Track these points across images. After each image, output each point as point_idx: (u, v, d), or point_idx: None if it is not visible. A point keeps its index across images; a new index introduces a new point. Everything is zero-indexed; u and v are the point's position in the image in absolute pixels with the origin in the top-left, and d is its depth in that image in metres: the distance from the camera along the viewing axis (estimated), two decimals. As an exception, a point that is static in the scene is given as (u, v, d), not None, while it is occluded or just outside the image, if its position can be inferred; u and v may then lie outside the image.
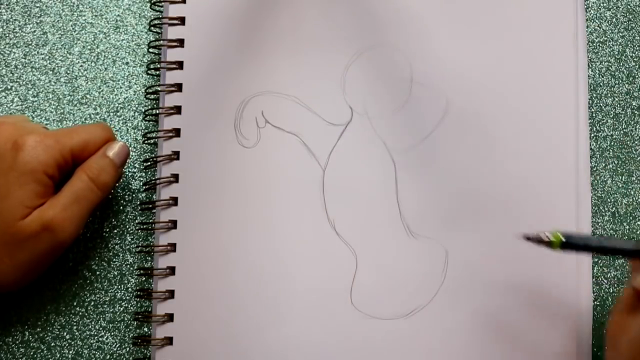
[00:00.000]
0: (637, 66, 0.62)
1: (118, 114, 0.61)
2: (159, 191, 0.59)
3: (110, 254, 0.60)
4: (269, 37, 0.60)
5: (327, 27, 0.60)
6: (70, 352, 0.59)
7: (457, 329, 0.57)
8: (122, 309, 0.59)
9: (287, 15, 0.60)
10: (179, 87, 0.59)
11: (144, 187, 0.60)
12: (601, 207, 0.61)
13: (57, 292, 0.59)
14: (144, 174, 0.61)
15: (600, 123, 0.61)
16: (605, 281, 0.60)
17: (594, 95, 0.62)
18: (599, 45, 0.62)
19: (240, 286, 0.58)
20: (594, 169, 0.61)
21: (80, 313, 0.59)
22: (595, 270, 0.60)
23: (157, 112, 0.60)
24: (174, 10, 0.60)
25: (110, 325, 0.59)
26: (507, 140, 0.59)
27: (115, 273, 0.60)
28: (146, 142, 0.61)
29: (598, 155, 0.61)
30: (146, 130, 0.61)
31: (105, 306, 0.59)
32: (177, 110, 0.59)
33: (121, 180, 0.60)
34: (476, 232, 0.58)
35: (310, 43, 0.60)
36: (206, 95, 0.59)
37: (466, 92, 0.59)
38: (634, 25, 0.63)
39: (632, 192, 0.61)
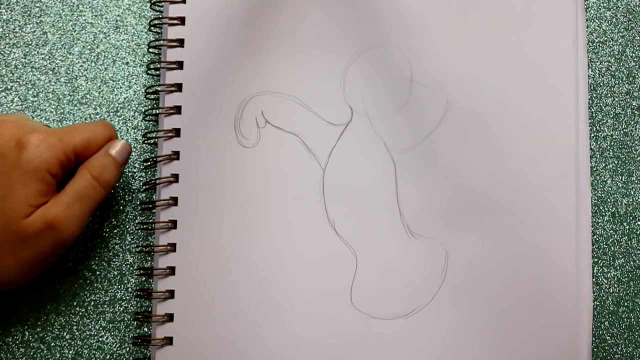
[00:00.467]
0: (637, 66, 0.62)
1: (118, 114, 0.61)
2: (159, 191, 0.59)
3: (110, 254, 0.60)
4: (269, 37, 0.60)
5: (327, 27, 0.60)
6: (70, 352, 0.59)
7: (457, 329, 0.57)
8: (122, 309, 0.59)
9: (287, 15, 0.60)
10: (179, 87, 0.59)
11: (144, 187, 0.60)
12: (601, 207, 0.61)
13: (57, 292, 0.59)
14: (144, 174, 0.61)
15: (600, 123, 0.61)
16: (605, 281, 0.60)
17: (594, 95, 0.62)
18: (599, 45, 0.62)
19: (240, 286, 0.58)
20: (594, 169, 0.61)
21: (80, 313, 0.59)
22: (595, 270, 0.60)
23: (157, 112, 0.60)
24: (174, 10, 0.60)
25: (110, 325, 0.59)
26: (507, 140, 0.59)
27: (115, 273, 0.60)
28: (146, 142, 0.61)
29: (598, 155, 0.61)
30: (146, 130, 0.61)
31: (105, 306, 0.59)
32: (177, 110, 0.59)
33: (121, 180, 0.60)
34: (476, 232, 0.58)
35: (310, 43, 0.60)
36: (206, 95, 0.59)
37: (466, 92, 0.59)
38: (634, 25, 0.63)
39: (632, 192, 0.61)
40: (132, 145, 0.61)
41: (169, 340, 0.57)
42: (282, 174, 0.58)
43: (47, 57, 0.62)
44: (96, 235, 0.60)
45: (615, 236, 0.60)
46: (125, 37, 0.63)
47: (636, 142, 0.61)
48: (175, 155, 0.59)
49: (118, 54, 0.63)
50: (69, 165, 0.56)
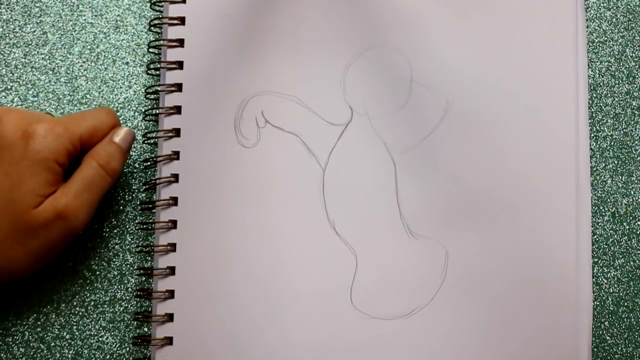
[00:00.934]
0: (637, 66, 0.62)
1: (118, 113, 0.61)
2: (159, 191, 0.59)
3: (110, 253, 0.60)
4: (269, 37, 0.60)
5: (327, 27, 0.60)
6: (70, 352, 0.59)
7: (457, 329, 0.57)
8: (122, 308, 0.59)
9: (287, 15, 0.60)
10: (179, 87, 0.59)
11: (144, 187, 0.60)
12: (601, 207, 0.61)
13: (57, 292, 0.59)
14: (143, 174, 0.61)
15: (600, 123, 0.61)
16: (605, 281, 0.60)
17: (594, 95, 0.62)
18: (599, 45, 0.62)
19: (240, 286, 0.58)
20: (594, 169, 0.61)
21: (80, 313, 0.59)
22: (595, 270, 0.60)
23: (157, 112, 0.60)
24: (174, 10, 0.60)
25: (110, 325, 0.59)
26: (507, 140, 0.59)
27: (115, 273, 0.60)
28: (146, 142, 0.61)
29: (598, 155, 0.61)
30: (146, 130, 0.61)
31: (105, 306, 0.59)
32: (177, 110, 0.59)
33: (121, 180, 0.60)
34: (476, 233, 0.58)
35: (310, 43, 0.60)
36: (206, 95, 0.59)
37: (466, 92, 0.59)
38: (634, 25, 0.63)
39: (632, 192, 0.61)
40: (132, 146, 0.61)
41: (169, 340, 0.57)
42: (282, 174, 0.58)
43: (47, 57, 0.62)
44: (96, 235, 0.60)
45: (615, 236, 0.60)
46: (125, 37, 0.63)
47: (636, 142, 0.61)
48: (175, 155, 0.59)
49: (118, 53, 0.63)
50: (75, 154, 0.56)
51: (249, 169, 0.58)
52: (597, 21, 0.63)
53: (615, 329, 0.60)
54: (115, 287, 0.60)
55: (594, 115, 0.61)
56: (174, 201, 0.58)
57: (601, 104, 0.62)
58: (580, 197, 0.58)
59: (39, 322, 0.59)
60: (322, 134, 0.59)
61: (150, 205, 0.59)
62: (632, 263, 0.60)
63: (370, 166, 0.59)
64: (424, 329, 0.57)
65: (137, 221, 0.60)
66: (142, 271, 0.59)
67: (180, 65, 0.59)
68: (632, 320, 0.60)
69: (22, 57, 0.62)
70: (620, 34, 0.63)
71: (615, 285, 0.60)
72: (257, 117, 0.59)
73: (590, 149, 0.61)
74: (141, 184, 0.61)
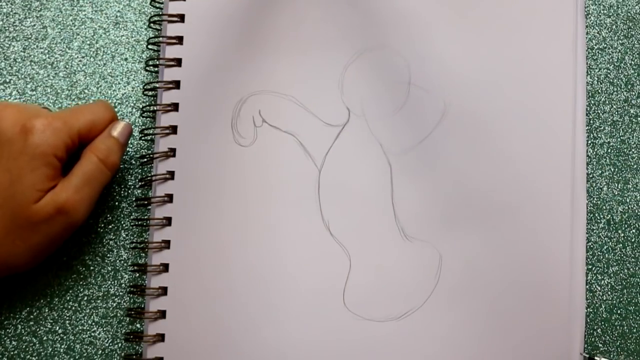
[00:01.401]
0: (636, 74, 0.62)
1: (116, 109, 0.61)
2: (154, 188, 0.59)
3: (105, 249, 0.60)
4: (267, 36, 0.60)
5: (326, 27, 0.60)
6: (62, 346, 0.59)
7: (450, 332, 0.57)
8: (115, 304, 0.59)
9: (287, 15, 0.60)
10: (176, 84, 0.59)
11: (139, 184, 0.60)
12: (596, 214, 0.61)
13: (50, 286, 0.59)
14: (139, 170, 0.61)
15: (598, 130, 0.61)
16: (599, 288, 0.60)
17: (592, 102, 0.62)
18: (598, 52, 0.62)
19: (234, 285, 0.58)
20: (590, 176, 0.61)
21: (73, 308, 0.59)
22: (589, 277, 0.60)
23: (155, 108, 0.60)
24: (173, 8, 0.60)
25: (103, 321, 0.59)
26: (503, 144, 0.59)
27: (109, 269, 0.60)
28: (143, 138, 0.61)
29: (594, 162, 0.61)
30: (143, 127, 0.61)
31: (99, 301, 0.59)
32: (174, 107, 0.59)
33: (117, 176, 0.60)
34: (470, 236, 0.58)
35: (309, 43, 0.60)
36: (204, 93, 0.59)
37: (464, 95, 0.59)
38: (633, 32, 0.63)
39: (627, 200, 0.61)
40: (129, 142, 0.61)
41: (160, 337, 0.57)
42: (278, 173, 0.58)
43: (47, 51, 0.62)
44: (91, 231, 0.60)
45: (610, 243, 0.60)
46: (124, 33, 0.63)
47: (633, 150, 0.61)
48: (172, 152, 0.59)
49: (117, 49, 0.63)
50: (73, 148, 0.56)
51: (244, 168, 0.58)
52: (596, 28, 0.63)
53: (607, 337, 0.60)
54: (109, 282, 0.60)
55: (591, 121, 0.61)
56: (169, 198, 0.58)
57: (599, 111, 0.62)
58: (576, 203, 0.58)
59: (31, 316, 0.59)
60: (319, 134, 0.59)
61: (146, 202, 0.59)
62: (626, 271, 0.60)
63: (366, 168, 0.59)
64: (416, 331, 0.57)
65: (132, 217, 0.60)
66: (135, 267, 0.59)
67: (178, 62, 0.60)
68: (625, 328, 0.60)
69: (22, 51, 0.62)
70: (620, 42, 0.63)
71: (609, 293, 0.60)
72: (254, 116, 0.59)
73: (587, 155, 0.61)
74: (137, 180, 0.61)
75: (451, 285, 0.58)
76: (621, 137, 0.61)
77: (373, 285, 0.58)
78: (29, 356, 0.59)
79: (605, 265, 0.60)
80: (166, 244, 0.58)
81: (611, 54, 0.62)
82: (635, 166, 0.61)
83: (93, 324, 0.59)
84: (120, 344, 0.59)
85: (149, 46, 0.62)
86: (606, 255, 0.60)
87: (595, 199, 0.61)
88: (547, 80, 0.59)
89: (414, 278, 0.58)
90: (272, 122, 0.59)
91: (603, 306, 0.60)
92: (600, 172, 0.61)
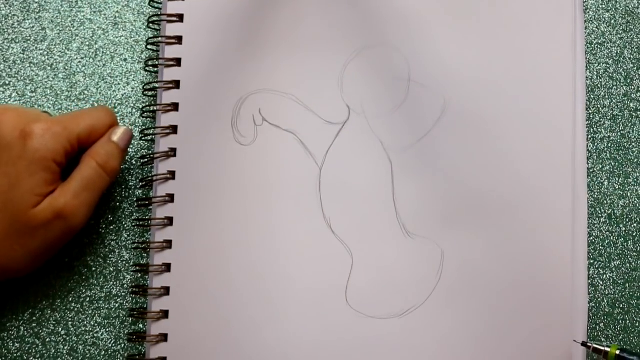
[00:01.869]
0: (635, 68, 0.62)
1: (116, 110, 0.61)
2: (155, 188, 0.59)
3: (107, 250, 0.60)
4: (267, 35, 0.60)
5: (325, 25, 0.60)
6: (65, 347, 0.59)
7: (452, 329, 0.57)
8: (117, 305, 0.59)
9: (286, 14, 0.60)
10: (176, 84, 0.59)
11: (140, 184, 0.60)
12: (597, 209, 0.61)
13: (52, 287, 0.59)
14: (140, 171, 0.61)
15: (598, 125, 0.61)
16: (601, 283, 0.60)
17: (592, 96, 0.62)
18: (597, 46, 0.62)
19: (236, 284, 0.58)
20: (591, 171, 0.61)
21: (76, 309, 0.59)
22: (590, 272, 0.60)
23: (155, 109, 0.60)
24: (172, 8, 0.60)
25: (106, 322, 0.59)
26: (504, 140, 0.59)
27: (111, 269, 0.60)
28: (143, 138, 0.61)
29: (595, 157, 0.61)
30: (143, 127, 0.61)
31: (101, 302, 0.59)
32: (175, 107, 0.59)
33: (118, 176, 0.60)
34: (472, 233, 0.58)
35: (308, 41, 0.60)
36: (204, 92, 0.59)
37: (464, 92, 0.59)
38: (632, 27, 0.63)
39: (628, 194, 0.61)
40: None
41: (163, 337, 0.57)
42: (279, 172, 0.58)
43: (46, 52, 0.62)
44: (92, 231, 0.60)
45: (612, 238, 0.60)
46: (123, 33, 0.63)
47: (633, 144, 0.61)
48: (172, 152, 0.59)
49: (116, 50, 0.63)
50: (73, 153, 0.56)
51: (245, 167, 0.58)
52: (595, 23, 0.63)
53: (610, 331, 0.60)
54: (111, 283, 0.60)
55: (591, 116, 0.61)
56: (170, 198, 0.58)
57: (599, 106, 0.62)
58: (577, 199, 0.58)
59: (34, 318, 0.59)
60: (319, 132, 0.59)
61: (147, 202, 0.59)
62: (627, 265, 0.60)
63: (367, 165, 0.59)
64: (419, 329, 0.57)
65: (133, 218, 0.60)
66: (137, 268, 0.59)
67: (178, 62, 0.60)
68: (628, 322, 0.60)
69: (21, 53, 0.62)
70: (619, 36, 0.63)
71: (611, 287, 0.60)
72: (254, 115, 0.59)
73: (588, 150, 0.61)
74: (138, 180, 0.61)
75: (453, 282, 0.58)
76: (621, 132, 0.61)
77: (375, 282, 0.58)
78: (32, 358, 0.59)
79: (607, 260, 0.60)
80: (168, 244, 0.58)
81: (610, 49, 0.62)
82: (635, 160, 0.61)
83: (96, 324, 0.59)
84: (123, 345, 0.59)
85: (148, 46, 0.62)
86: (608, 249, 0.60)
87: (596, 193, 0.61)
88: (547, 75, 0.59)
89: (416, 275, 0.58)
90: (272, 120, 0.59)
91: (605, 300, 0.60)
92: (600, 166, 0.61)
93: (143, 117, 0.61)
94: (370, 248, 0.58)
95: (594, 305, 0.60)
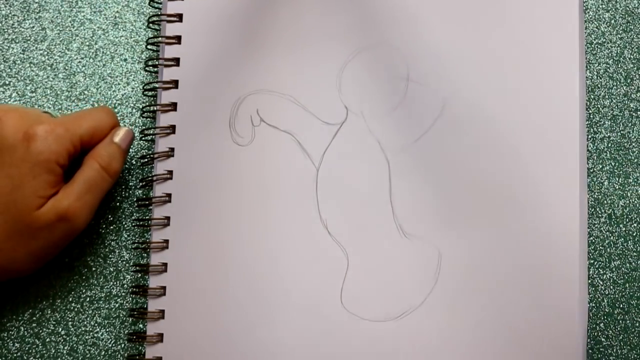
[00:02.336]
0: (635, 68, 0.62)
1: (116, 110, 0.62)
2: (154, 188, 0.59)
3: (106, 250, 0.60)
4: (266, 35, 0.60)
5: (323, 25, 0.60)
6: (65, 347, 0.59)
7: (450, 332, 0.57)
8: (117, 305, 0.60)
9: (284, 14, 0.60)
10: (175, 84, 0.59)
11: (140, 184, 0.60)
12: (597, 209, 0.60)
13: (52, 287, 0.60)
14: (140, 171, 0.61)
15: (598, 125, 0.61)
16: (601, 283, 0.60)
17: (592, 96, 0.61)
18: (597, 46, 0.62)
19: (231, 284, 0.58)
20: (591, 171, 0.61)
21: (76, 309, 0.59)
22: (590, 272, 0.60)
23: (154, 109, 0.60)
24: (172, 8, 0.60)
25: (106, 322, 0.59)
26: (502, 141, 0.58)
27: (111, 269, 0.60)
28: (143, 138, 0.61)
29: (595, 157, 0.61)
30: (143, 127, 0.61)
31: (101, 302, 0.60)
32: (174, 107, 0.59)
33: (119, 176, 0.61)
34: (470, 234, 0.57)
35: (306, 42, 0.60)
36: (202, 92, 0.59)
37: (463, 92, 0.59)
38: (632, 27, 0.62)
39: (628, 194, 0.61)
40: (130, 143, 0.61)
41: (160, 337, 0.57)
42: (276, 172, 0.58)
43: (46, 52, 0.62)
44: (92, 232, 0.60)
45: (612, 238, 0.60)
46: (123, 33, 0.63)
47: (633, 144, 0.61)
48: (171, 152, 0.59)
49: (116, 50, 0.63)
50: (75, 155, 0.56)
51: (242, 167, 0.58)
52: (595, 22, 0.62)
53: (610, 331, 0.59)
54: (111, 283, 0.60)
55: (591, 116, 0.61)
56: (169, 198, 0.58)
57: (599, 106, 0.61)
58: (577, 198, 0.58)
59: (34, 318, 0.59)
60: (317, 133, 0.59)
61: (147, 202, 0.59)
62: (627, 265, 0.60)
63: (364, 166, 0.58)
64: (416, 331, 0.57)
65: (133, 218, 0.60)
66: (137, 268, 0.59)
67: (177, 62, 0.60)
68: (628, 322, 0.59)
69: (21, 53, 0.62)
70: (619, 36, 0.62)
71: (611, 287, 0.60)
72: (252, 116, 0.59)
73: (588, 150, 0.61)
74: (138, 180, 0.61)
75: (451, 283, 0.57)
76: (621, 132, 0.61)
77: (371, 284, 0.58)
78: (32, 358, 0.59)
79: (607, 260, 0.60)
80: (166, 244, 0.58)
81: (610, 49, 0.62)
82: (635, 160, 0.61)
83: (96, 324, 0.59)
84: (123, 344, 0.59)
85: (148, 46, 0.62)
86: (608, 249, 0.60)
87: (597, 193, 0.61)
88: (547, 76, 0.59)
89: (412, 276, 0.58)
90: (269, 121, 0.59)
91: (605, 300, 0.60)
92: (600, 166, 0.61)
93: (143, 117, 0.61)
94: (366, 249, 0.58)
95: (594, 305, 0.60)
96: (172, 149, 0.59)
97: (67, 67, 0.62)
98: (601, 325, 0.59)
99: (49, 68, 0.62)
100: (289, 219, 0.58)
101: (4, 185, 0.53)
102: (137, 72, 0.62)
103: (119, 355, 0.59)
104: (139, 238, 0.60)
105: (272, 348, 0.57)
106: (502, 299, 0.57)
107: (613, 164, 0.61)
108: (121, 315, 0.60)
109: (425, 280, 0.57)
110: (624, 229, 0.60)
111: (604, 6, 0.63)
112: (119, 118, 0.61)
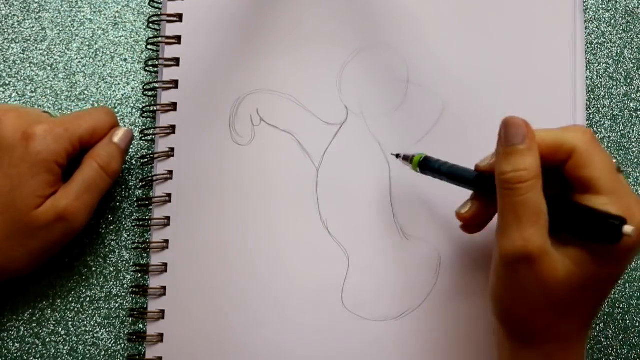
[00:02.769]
0: (635, 68, 0.62)
1: (116, 110, 0.62)
2: (154, 188, 0.59)
3: (107, 250, 0.60)
4: (266, 35, 0.60)
5: (324, 26, 0.60)
6: (65, 347, 0.59)
7: (449, 332, 0.57)
8: (117, 305, 0.60)
9: (285, 14, 0.60)
10: (175, 84, 0.59)
11: (140, 184, 0.60)
12: (597, 209, 0.60)
13: (52, 287, 0.60)
14: (140, 171, 0.61)
15: (598, 125, 0.61)
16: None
17: (592, 96, 0.61)
18: (597, 46, 0.62)
19: (231, 284, 0.58)
20: (591, 171, 0.61)
21: (76, 309, 0.59)
22: (590, 272, 0.60)
23: (154, 109, 0.60)
24: (172, 7, 0.60)
25: (106, 322, 0.59)
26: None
27: (111, 269, 0.60)
28: (143, 138, 0.61)
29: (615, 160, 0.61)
30: (144, 127, 0.61)
31: (101, 302, 0.60)
32: (174, 107, 0.59)
33: (118, 176, 0.60)
34: (470, 235, 0.57)
35: (307, 42, 0.60)
36: (202, 92, 0.59)
37: (463, 93, 0.59)
38: (632, 27, 0.62)
39: (628, 194, 0.60)
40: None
41: (160, 337, 0.57)
42: (276, 172, 0.58)
43: (46, 52, 0.62)
44: (92, 232, 0.60)
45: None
46: (123, 33, 0.63)
47: (633, 144, 0.61)
48: (172, 152, 0.59)
49: (116, 50, 0.63)
50: (74, 154, 0.56)
51: (242, 167, 0.58)
52: (595, 22, 0.62)
53: (610, 331, 0.59)
54: (111, 283, 0.60)
55: (591, 116, 0.61)
56: (169, 198, 0.58)
57: (599, 106, 0.61)
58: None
59: (34, 318, 0.59)
60: (317, 133, 0.59)
61: (147, 202, 0.59)
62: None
63: (365, 166, 0.58)
64: (415, 332, 0.57)
65: (133, 218, 0.60)
66: (137, 268, 0.59)
67: (177, 62, 0.60)
68: (627, 322, 0.59)
69: (21, 53, 0.62)
70: (619, 36, 0.62)
71: (611, 287, 0.60)
72: (252, 115, 0.59)
73: (588, 150, 0.61)
74: (138, 180, 0.61)
75: (450, 284, 0.57)
76: (621, 132, 0.61)
77: (371, 284, 0.58)
78: (32, 358, 0.59)
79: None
80: (166, 244, 0.58)
81: (610, 49, 0.62)
82: (635, 160, 0.61)
83: (96, 325, 0.59)
84: (123, 345, 0.59)
85: (148, 46, 0.62)
86: (608, 249, 0.60)
87: (596, 193, 0.61)
88: (547, 76, 0.59)
89: (412, 277, 0.58)
90: (269, 120, 0.59)
91: (605, 301, 0.60)
92: (600, 166, 0.61)
93: (143, 117, 0.61)
94: (367, 250, 0.58)
95: (593, 305, 0.60)
96: (172, 149, 0.59)
97: (67, 67, 0.62)
98: (601, 325, 0.59)
99: (49, 68, 0.62)
100: (289, 219, 0.58)
101: (2, 185, 0.53)
102: (137, 72, 0.62)
103: (119, 355, 0.59)
104: (139, 238, 0.60)
105: (273, 348, 0.57)
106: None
107: (613, 164, 0.61)
108: (121, 315, 0.60)
109: (425, 281, 0.57)
110: (624, 229, 0.60)
111: (604, 6, 0.63)
112: (119, 118, 0.61)
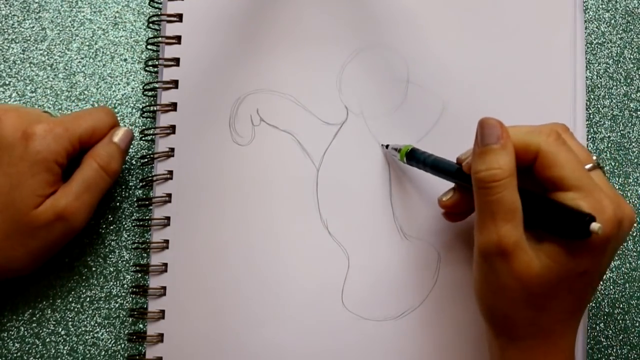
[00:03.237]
0: (635, 68, 0.62)
1: (116, 110, 0.62)
2: (154, 188, 0.59)
3: (107, 250, 0.60)
4: (266, 35, 0.60)
5: (324, 26, 0.60)
6: (65, 347, 0.59)
7: (448, 332, 0.57)
8: (117, 305, 0.60)
9: (285, 14, 0.60)
10: (175, 84, 0.59)
11: (140, 184, 0.60)
12: (597, 209, 0.60)
13: (52, 287, 0.60)
14: (140, 171, 0.61)
15: (598, 125, 0.61)
16: (601, 283, 0.60)
17: (592, 96, 0.61)
18: (597, 46, 0.62)
19: (231, 284, 0.58)
20: (591, 171, 0.61)
21: (76, 309, 0.59)
22: (590, 272, 0.60)
23: (154, 109, 0.60)
24: (172, 7, 0.60)
25: (106, 322, 0.59)
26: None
27: (111, 269, 0.60)
28: (143, 138, 0.61)
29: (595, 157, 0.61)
30: (144, 127, 0.61)
31: (101, 302, 0.60)
32: (174, 107, 0.59)
33: (118, 176, 0.60)
34: (469, 235, 0.57)
35: (307, 42, 0.60)
36: (202, 92, 0.59)
37: (463, 94, 0.59)
38: (632, 27, 0.62)
39: (628, 194, 0.61)
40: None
41: (161, 337, 0.57)
42: (276, 172, 0.58)
43: (46, 52, 0.62)
44: (92, 232, 0.60)
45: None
46: (123, 33, 0.63)
47: (633, 144, 0.61)
48: (172, 152, 0.59)
49: (116, 50, 0.63)
50: (74, 154, 0.56)
51: (242, 167, 0.58)
52: (595, 22, 0.62)
53: (610, 331, 0.59)
54: (111, 283, 0.60)
55: (591, 116, 0.61)
56: (169, 198, 0.58)
57: (599, 106, 0.61)
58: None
59: (34, 318, 0.59)
60: (317, 133, 0.59)
61: (147, 202, 0.59)
62: (627, 265, 0.60)
63: (365, 167, 0.58)
64: (414, 331, 0.57)
65: (133, 218, 0.60)
66: (137, 268, 0.59)
67: (177, 62, 0.60)
68: (627, 322, 0.59)
69: (21, 53, 0.62)
70: (619, 36, 0.62)
71: (611, 287, 0.60)
72: (252, 115, 0.59)
73: (588, 150, 0.61)
74: (138, 180, 0.61)
75: (449, 284, 0.57)
76: (621, 132, 0.61)
77: (371, 284, 0.58)
78: (32, 358, 0.59)
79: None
80: (166, 244, 0.58)
81: (610, 49, 0.62)
82: (635, 160, 0.61)
83: (96, 325, 0.59)
84: (123, 345, 0.59)
85: (148, 46, 0.62)
86: (608, 249, 0.60)
87: (596, 193, 0.61)
88: (547, 76, 0.59)
89: (412, 277, 0.58)
90: (269, 121, 0.59)
91: (605, 300, 0.60)
92: (600, 166, 0.61)
93: (143, 117, 0.61)
94: (366, 250, 0.58)
95: (594, 305, 0.60)
96: (172, 149, 0.59)
97: (67, 67, 0.62)
98: (601, 325, 0.59)
99: (49, 68, 0.62)
100: (289, 219, 0.58)
101: (2, 184, 0.53)
102: (137, 72, 0.62)
103: (119, 355, 0.59)
104: (139, 238, 0.60)
105: (273, 347, 0.57)
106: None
107: (613, 164, 0.61)
108: (121, 315, 0.60)
109: (425, 281, 0.58)
110: (624, 229, 0.60)
111: (604, 6, 0.63)
112: (119, 118, 0.61)
